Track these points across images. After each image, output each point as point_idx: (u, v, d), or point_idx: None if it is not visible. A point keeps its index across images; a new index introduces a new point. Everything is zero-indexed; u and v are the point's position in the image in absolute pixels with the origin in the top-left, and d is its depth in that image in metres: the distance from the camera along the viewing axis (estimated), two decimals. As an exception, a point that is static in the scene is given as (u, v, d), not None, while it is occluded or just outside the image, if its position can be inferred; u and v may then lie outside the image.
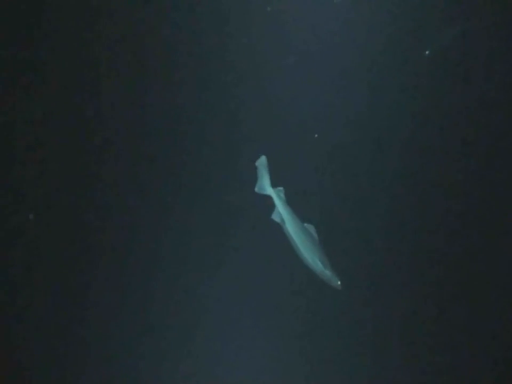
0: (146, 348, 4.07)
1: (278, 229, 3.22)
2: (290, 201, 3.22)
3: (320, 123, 3.99)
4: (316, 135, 4.00)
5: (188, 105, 4.13)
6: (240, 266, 4.07)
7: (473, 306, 3.81)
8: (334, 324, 3.93)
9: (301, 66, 4.17)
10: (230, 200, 4.11)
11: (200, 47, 4.06)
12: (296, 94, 4.05)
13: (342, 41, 4.14)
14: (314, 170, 3.91)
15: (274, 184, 3.26)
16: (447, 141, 4.01)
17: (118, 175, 4.12)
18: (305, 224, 3.15)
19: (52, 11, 4.02)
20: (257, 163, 3.29)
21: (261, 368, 3.98)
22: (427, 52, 4.26)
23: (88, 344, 4.04)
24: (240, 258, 4.07)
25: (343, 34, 4.14)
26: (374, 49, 4.17)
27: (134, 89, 4.09)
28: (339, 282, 3.03)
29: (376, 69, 4.20)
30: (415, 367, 3.79)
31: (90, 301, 4.08)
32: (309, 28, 4.14)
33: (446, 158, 3.94)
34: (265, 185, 3.26)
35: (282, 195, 3.24)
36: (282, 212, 3.20)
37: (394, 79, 4.16)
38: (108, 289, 4.07)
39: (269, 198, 3.26)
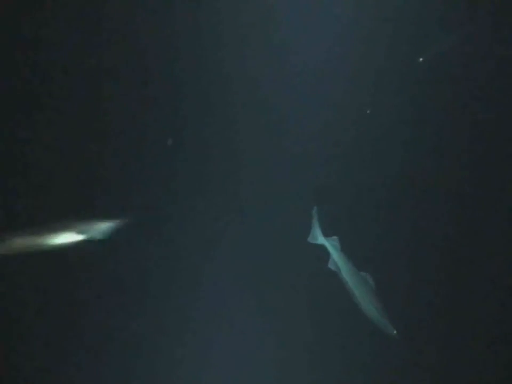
0: (145, 351, 4.00)
1: (334, 276, 3.27)
2: (346, 250, 3.26)
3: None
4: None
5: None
6: (240, 268, 4.09)
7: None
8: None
9: (302, 73, 4.03)
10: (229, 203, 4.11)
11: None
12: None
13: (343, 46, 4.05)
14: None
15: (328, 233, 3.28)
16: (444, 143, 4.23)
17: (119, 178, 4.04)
18: (361, 273, 3.23)
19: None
20: (313, 212, 3.35)
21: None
22: (421, 59, 4.32)
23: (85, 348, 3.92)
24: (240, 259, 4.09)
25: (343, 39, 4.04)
26: (373, 54, 4.15)
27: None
28: (395, 332, 3.18)
29: (376, 75, 4.19)
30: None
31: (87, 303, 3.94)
32: (309, 31, 4.04)
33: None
34: (317, 235, 3.30)
35: (337, 244, 3.25)
36: (337, 261, 3.23)
37: (393, 83, 4.21)
38: (107, 291, 3.96)
39: (321, 247, 3.29)
